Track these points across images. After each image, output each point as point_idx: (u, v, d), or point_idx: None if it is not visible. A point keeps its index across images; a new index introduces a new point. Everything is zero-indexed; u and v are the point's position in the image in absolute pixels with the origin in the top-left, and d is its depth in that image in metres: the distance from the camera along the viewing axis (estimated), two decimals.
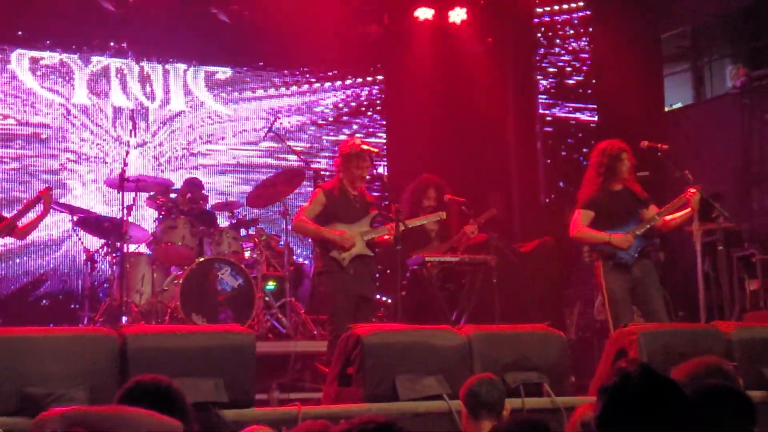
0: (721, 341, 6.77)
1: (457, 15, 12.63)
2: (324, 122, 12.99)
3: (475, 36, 12.73)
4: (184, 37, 12.01)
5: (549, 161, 12.74)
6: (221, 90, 12.55)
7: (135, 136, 10.62)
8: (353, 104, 13.17)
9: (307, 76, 12.96)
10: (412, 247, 9.26)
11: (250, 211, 11.29)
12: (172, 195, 10.06)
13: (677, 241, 10.25)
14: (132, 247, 9.84)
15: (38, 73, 11.63)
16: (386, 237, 8.01)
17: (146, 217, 10.87)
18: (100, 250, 9.92)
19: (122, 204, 9.31)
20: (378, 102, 13.32)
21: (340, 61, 13.02)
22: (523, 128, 12.83)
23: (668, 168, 8.74)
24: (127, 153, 9.92)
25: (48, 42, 11.68)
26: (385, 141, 13.17)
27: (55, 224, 11.18)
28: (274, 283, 10.23)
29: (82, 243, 10.03)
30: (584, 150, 12.11)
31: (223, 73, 12.59)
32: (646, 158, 8.91)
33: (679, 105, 13.23)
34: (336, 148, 9.52)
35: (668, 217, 8.16)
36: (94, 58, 11.91)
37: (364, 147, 8.12)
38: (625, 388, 2.97)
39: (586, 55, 12.73)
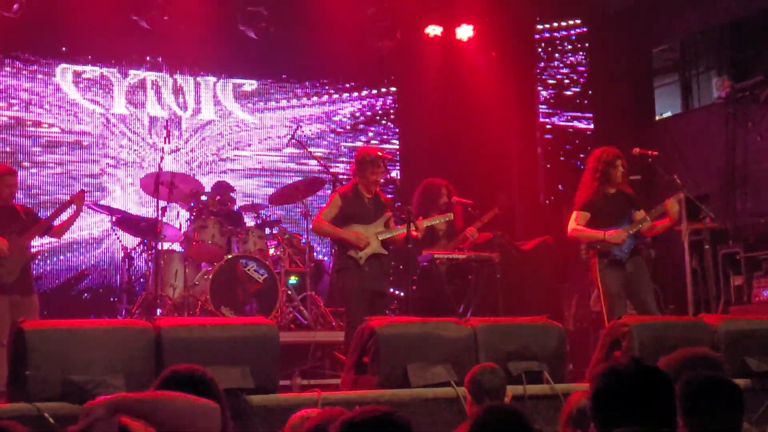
0: (708, 333, 6.73)
1: (464, 32, 12.61)
2: (342, 130, 13.00)
3: (481, 50, 12.71)
4: (214, 52, 12.01)
5: (548, 165, 12.70)
6: (248, 100, 12.57)
7: (169, 142, 10.64)
8: (368, 113, 13.17)
9: (326, 87, 12.97)
10: (422, 245, 9.25)
11: (274, 211, 11.32)
12: (203, 197, 10.08)
13: (667, 240, 10.20)
14: (166, 245, 9.85)
15: (81, 86, 11.67)
16: (404, 235, 7.94)
17: (179, 217, 10.90)
18: (137, 247, 9.96)
19: (157, 205, 9.35)
20: (391, 111, 13.30)
21: (356, 74, 13.04)
22: (524, 135, 12.81)
23: (658, 172, 8.73)
24: (162, 158, 9.93)
25: (90, 57, 11.72)
26: (398, 147, 13.16)
27: (96, 224, 11.21)
28: (296, 278, 10.23)
29: (120, 241, 10.07)
30: (581, 155, 12.07)
31: (250, 85, 12.61)
32: (637, 163, 8.89)
33: (668, 114, 13.18)
34: (353, 154, 9.51)
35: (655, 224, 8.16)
36: (132, 72, 11.95)
37: (378, 153, 8.13)
38: (616, 376, 2.98)
39: (583, 68, 12.68)
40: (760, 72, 11.53)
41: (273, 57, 12.41)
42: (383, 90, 13.28)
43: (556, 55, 12.74)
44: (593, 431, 2.98)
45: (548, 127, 12.76)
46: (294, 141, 10.65)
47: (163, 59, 12.06)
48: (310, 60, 12.38)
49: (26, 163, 11.22)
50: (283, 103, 12.73)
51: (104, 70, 11.79)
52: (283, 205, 11.47)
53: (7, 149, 11.18)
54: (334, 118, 12.96)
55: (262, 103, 12.63)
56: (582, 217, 8.12)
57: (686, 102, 13.06)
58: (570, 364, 7.42)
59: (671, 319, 7.80)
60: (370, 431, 2.80)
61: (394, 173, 11.66)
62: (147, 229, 9.77)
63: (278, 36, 12.03)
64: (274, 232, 10.31)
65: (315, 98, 12.89)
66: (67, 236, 9.34)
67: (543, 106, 12.80)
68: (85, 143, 11.59)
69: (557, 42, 12.77)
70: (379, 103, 13.24)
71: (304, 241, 10.32)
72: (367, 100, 13.17)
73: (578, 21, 12.68)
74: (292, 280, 10.18)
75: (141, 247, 9.91)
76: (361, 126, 13.09)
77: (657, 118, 12.98)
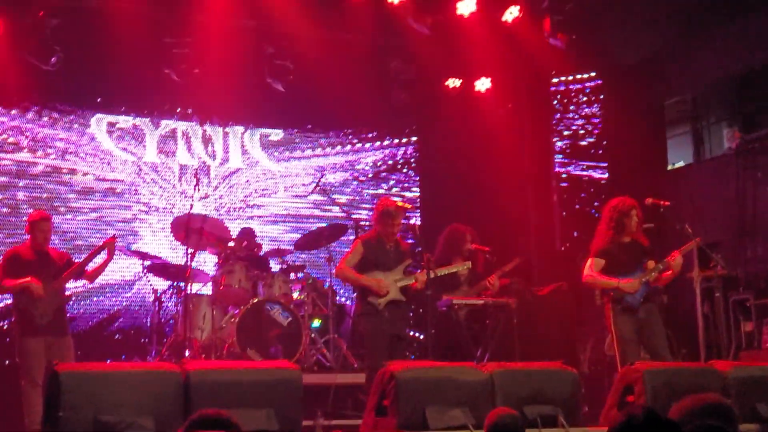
0: (719, 379, 6.73)
1: (482, 84, 12.69)
2: (364, 178, 13.06)
3: (498, 102, 12.78)
4: (242, 103, 12.13)
5: (564, 213, 12.71)
6: (274, 149, 12.67)
7: (198, 190, 10.70)
8: (390, 162, 13.24)
9: (350, 137, 13.06)
10: (444, 290, 9.28)
11: (298, 257, 11.35)
12: (231, 243, 10.15)
13: (679, 286, 10.18)
14: (195, 288, 9.92)
15: (114, 135, 11.80)
16: (414, 285, 8.08)
17: (207, 261, 10.97)
18: (167, 291, 10.02)
19: (186, 250, 9.41)
20: (412, 160, 13.37)
21: (378, 124, 13.13)
22: (540, 184, 12.82)
23: (670, 221, 8.75)
24: (192, 206, 10.00)
25: (123, 108, 11.86)
26: (418, 194, 13.22)
27: (128, 268, 11.27)
28: (320, 321, 10.26)
29: (151, 285, 10.14)
30: (596, 203, 12.10)
31: (276, 134, 12.72)
32: (650, 212, 8.91)
33: (680, 164, 13.17)
34: (375, 201, 9.57)
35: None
36: (163, 122, 12.09)
37: (399, 204, 8.22)
38: (630, 429, 3.00)
39: (598, 120, 12.72)
40: None
41: (299, 108, 12.53)
42: (404, 140, 13.35)
43: (572, 106, 12.79)
44: None
45: (564, 176, 12.78)
46: (318, 189, 10.72)
47: (193, 110, 12.20)
48: (334, 111, 12.47)
49: (62, 209, 11.34)
50: (308, 152, 12.82)
51: (137, 120, 11.93)
52: (307, 251, 11.51)
53: (44, 195, 11.31)
54: (357, 167, 13.04)
55: (287, 152, 12.72)
56: (597, 264, 8.16)
57: (698, 152, 13.05)
58: (585, 406, 7.42)
59: (683, 365, 7.80)
60: None
61: (413, 220, 11.69)
62: (176, 274, 9.84)
63: (304, 88, 12.16)
64: (298, 276, 10.35)
65: (339, 147, 12.98)
66: (100, 279, 9.39)
67: (559, 156, 12.82)
68: (118, 190, 11.71)
69: (572, 94, 12.83)
70: (401, 152, 13.31)
71: (327, 285, 10.35)
72: (389, 149, 13.25)
73: (593, 74, 12.74)
74: (316, 323, 10.20)
75: (171, 291, 9.97)
76: (383, 174, 13.16)
77: (669, 167, 12.97)
